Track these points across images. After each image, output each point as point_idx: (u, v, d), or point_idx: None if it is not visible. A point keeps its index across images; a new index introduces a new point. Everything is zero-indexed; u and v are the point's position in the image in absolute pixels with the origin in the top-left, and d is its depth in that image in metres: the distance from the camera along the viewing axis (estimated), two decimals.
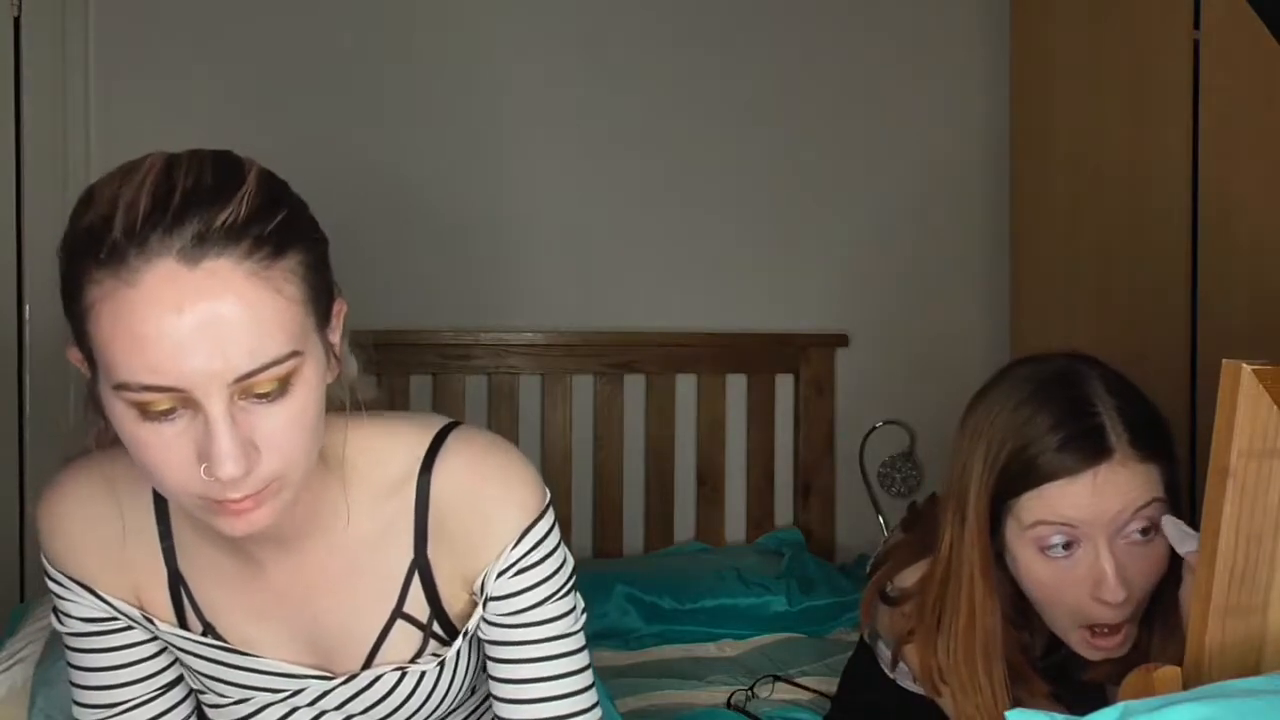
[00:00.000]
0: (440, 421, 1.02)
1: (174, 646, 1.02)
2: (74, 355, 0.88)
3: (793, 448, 2.76)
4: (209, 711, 1.05)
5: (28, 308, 2.42)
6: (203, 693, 1.04)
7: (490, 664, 1.01)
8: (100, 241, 0.81)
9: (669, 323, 2.69)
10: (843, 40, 2.79)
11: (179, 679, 1.05)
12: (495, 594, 0.97)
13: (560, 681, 0.99)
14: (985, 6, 2.84)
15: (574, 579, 1.02)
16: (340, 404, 0.95)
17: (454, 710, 1.09)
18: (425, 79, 2.57)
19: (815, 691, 1.93)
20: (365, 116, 2.55)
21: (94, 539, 0.98)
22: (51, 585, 1.01)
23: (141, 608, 1.00)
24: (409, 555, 0.98)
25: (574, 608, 1.02)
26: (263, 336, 0.82)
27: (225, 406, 0.81)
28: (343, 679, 1.01)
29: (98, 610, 1.00)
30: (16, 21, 2.41)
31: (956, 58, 2.85)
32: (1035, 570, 1.17)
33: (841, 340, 2.77)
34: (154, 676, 1.03)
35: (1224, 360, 0.89)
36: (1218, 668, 0.90)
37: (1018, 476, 1.16)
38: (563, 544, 1.01)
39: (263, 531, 0.88)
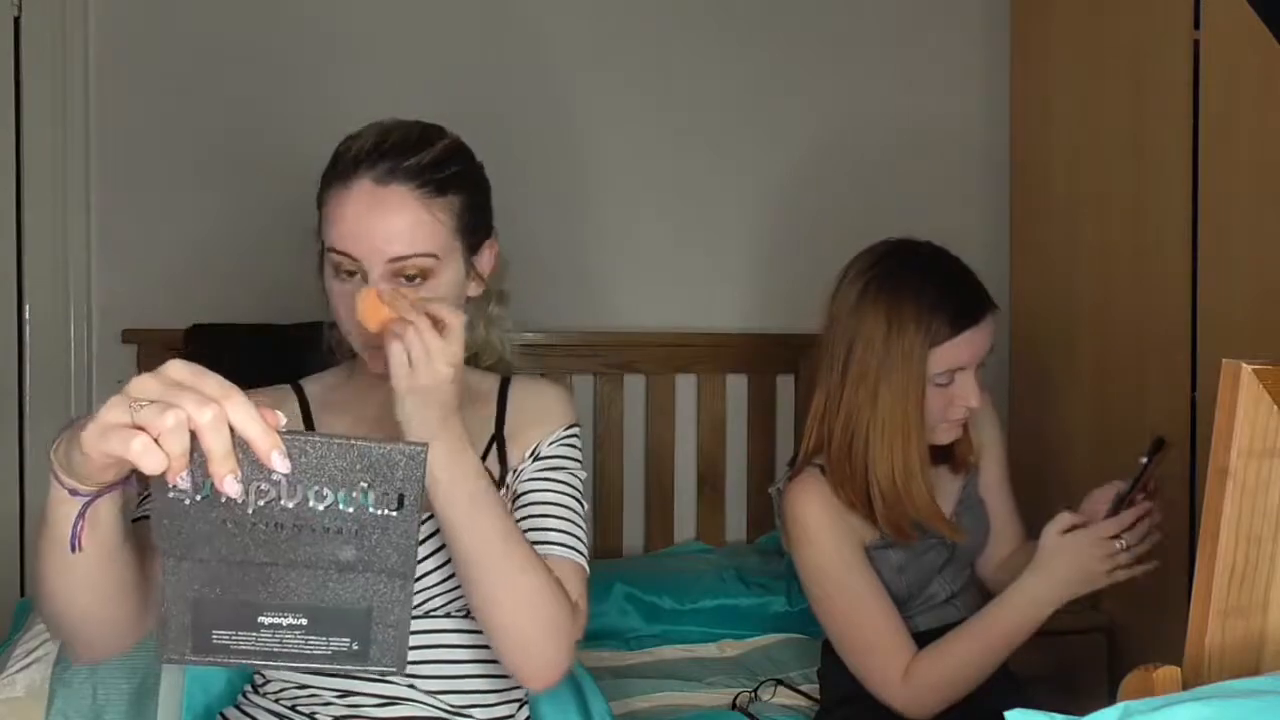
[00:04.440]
0: None
1: None
2: (320, 240, 1.36)
3: (793, 448, 2.75)
4: None
5: (28, 308, 2.42)
6: None
7: (523, 509, 1.39)
8: (339, 163, 1.32)
9: (669, 323, 2.69)
10: (841, 43, 2.79)
11: None
12: (542, 455, 1.42)
13: (566, 510, 1.39)
14: (985, 7, 2.84)
15: (583, 479, 1.45)
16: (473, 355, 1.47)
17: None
18: (416, 81, 2.57)
19: (815, 700, 1.92)
20: (364, 117, 2.54)
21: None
22: None
23: None
24: (492, 431, 1.44)
25: (579, 488, 1.42)
26: (414, 237, 1.28)
27: (379, 276, 1.27)
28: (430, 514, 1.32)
29: None
30: (16, 21, 2.41)
31: (956, 58, 2.85)
32: (930, 397, 1.71)
33: None
34: None
35: (1224, 360, 0.89)
36: (1218, 668, 0.90)
37: (929, 340, 1.71)
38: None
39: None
